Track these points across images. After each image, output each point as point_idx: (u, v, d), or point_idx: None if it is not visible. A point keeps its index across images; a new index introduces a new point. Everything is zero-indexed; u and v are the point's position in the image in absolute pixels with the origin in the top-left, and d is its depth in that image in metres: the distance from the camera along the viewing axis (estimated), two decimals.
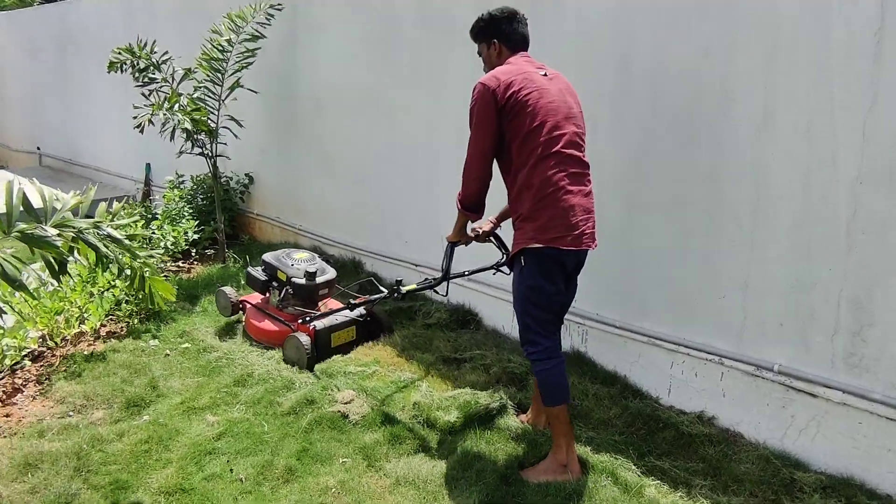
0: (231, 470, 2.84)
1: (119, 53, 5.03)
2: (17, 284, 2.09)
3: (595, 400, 3.35)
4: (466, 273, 3.43)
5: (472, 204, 2.85)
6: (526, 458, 2.88)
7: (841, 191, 2.66)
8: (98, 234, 2.13)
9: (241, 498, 2.66)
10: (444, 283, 3.24)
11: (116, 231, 2.19)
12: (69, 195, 2.20)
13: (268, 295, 4.19)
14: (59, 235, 2.04)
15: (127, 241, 2.23)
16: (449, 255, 3.15)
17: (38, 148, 10.58)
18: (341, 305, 4.01)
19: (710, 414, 3.20)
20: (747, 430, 3.08)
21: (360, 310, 4.01)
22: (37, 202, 2.08)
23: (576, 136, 2.69)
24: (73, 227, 2.08)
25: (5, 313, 2.01)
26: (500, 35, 2.86)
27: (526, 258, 2.72)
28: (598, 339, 3.63)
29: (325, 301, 4.17)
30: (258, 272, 4.22)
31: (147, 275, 2.82)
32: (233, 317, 4.37)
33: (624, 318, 3.49)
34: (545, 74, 2.75)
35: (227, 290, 4.36)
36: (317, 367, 3.67)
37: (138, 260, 2.38)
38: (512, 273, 2.90)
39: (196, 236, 5.60)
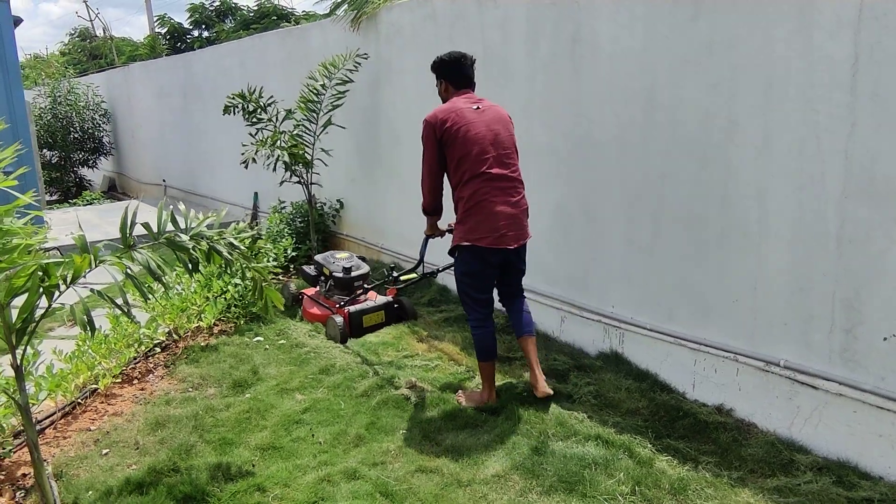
0: (313, 435, 3.49)
1: (232, 98, 5.97)
2: (158, 278, 2.83)
3: (627, 393, 3.79)
4: (439, 269, 4.49)
5: (431, 209, 3.72)
6: (555, 434, 3.37)
7: (830, 205, 3.03)
8: (224, 243, 2.85)
9: (320, 455, 3.30)
10: (421, 267, 4.39)
11: (238, 242, 2.89)
12: (209, 215, 2.95)
13: (318, 287, 5.28)
14: (191, 241, 2.77)
15: (244, 249, 2.93)
16: (424, 244, 4.21)
17: (164, 181, 11.99)
18: (374, 294, 5.07)
19: (729, 406, 3.57)
20: (760, 420, 3.44)
21: (388, 297, 5.02)
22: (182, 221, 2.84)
23: (502, 157, 3.46)
24: (205, 237, 2.81)
25: (133, 309, 2.73)
26: (446, 76, 3.66)
27: (459, 252, 3.60)
28: (633, 340, 4.07)
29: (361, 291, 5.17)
30: (310, 269, 5.33)
31: (264, 285, 3.52)
32: (294, 304, 5.49)
33: (653, 321, 3.93)
34: (477, 108, 3.51)
35: (291, 285, 5.66)
36: (387, 359, 4.32)
37: (253, 265, 3.07)
38: None
39: (294, 253, 6.43)
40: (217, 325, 5.00)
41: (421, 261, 4.31)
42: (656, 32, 3.64)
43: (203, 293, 4.97)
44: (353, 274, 4.98)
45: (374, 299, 5.00)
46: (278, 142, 5.72)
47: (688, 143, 3.57)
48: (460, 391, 3.86)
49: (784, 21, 3.08)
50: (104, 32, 26.63)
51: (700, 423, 3.47)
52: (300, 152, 5.81)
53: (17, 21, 8.53)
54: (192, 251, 2.91)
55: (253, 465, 3.22)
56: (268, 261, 6.14)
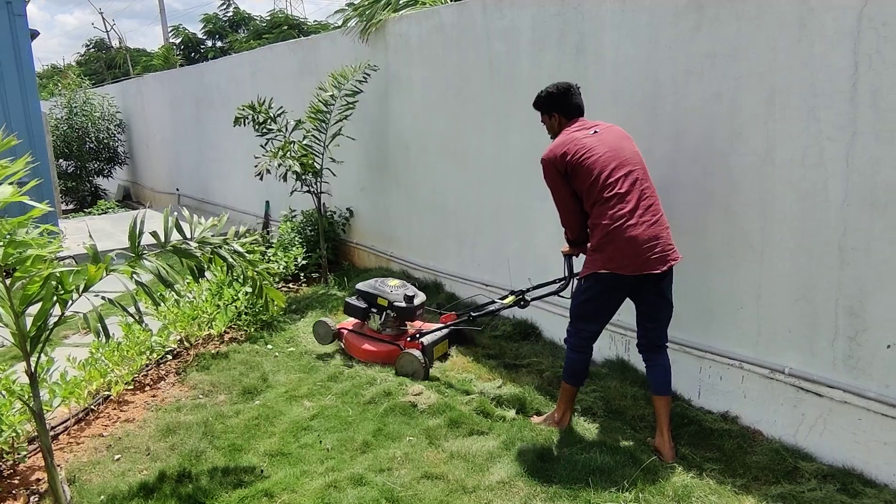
0: (320, 441, 3.53)
1: (242, 110, 6.05)
2: (169, 285, 2.89)
3: (633, 400, 3.81)
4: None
5: (577, 240, 3.57)
6: (561, 442, 3.39)
7: (832, 213, 3.05)
8: (227, 248, 2.91)
9: (327, 461, 3.34)
10: (566, 285, 3.88)
11: (240, 247, 2.96)
12: (209, 220, 3.02)
13: (367, 321, 4.70)
14: (198, 248, 2.84)
15: (247, 255, 3.00)
16: (568, 261, 3.86)
17: (177, 189, 12.13)
18: (432, 325, 4.58)
19: (734, 413, 3.58)
20: (766, 427, 3.45)
21: (449, 324, 4.51)
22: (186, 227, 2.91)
23: (634, 174, 3.25)
24: (210, 243, 2.88)
25: (145, 318, 2.79)
26: (558, 108, 3.49)
27: (587, 279, 3.36)
28: None
29: (416, 320, 4.67)
30: (356, 301, 4.71)
31: (264, 284, 3.59)
32: (330, 345, 4.85)
33: None
34: (595, 132, 3.34)
35: (328, 320, 4.83)
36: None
37: (256, 270, 3.13)
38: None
39: (304, 262, 6.49)
40: (228, 333, 5.06)
41: (570, 277, 3.85)
42: (659, 43, 3.67)
43: (214, 301, 5.04)
44: (415, 302, 4.52)
45: (431, 328, 4.52)
46: (289, 152, 5.79)
47: (692, 152, 3.60)
48: (535, 415, 3.73)
49: (785, 31, 3.11)
50: (119, 43, 27.01)
51: (705, 430, 3.48)
52: (310, 162, 5.88)
53: (34, 34, 8.70)
54: (198, 258, 2.97)
55: (261, 471, 3.27)
56: (269, 262, 6.16)
